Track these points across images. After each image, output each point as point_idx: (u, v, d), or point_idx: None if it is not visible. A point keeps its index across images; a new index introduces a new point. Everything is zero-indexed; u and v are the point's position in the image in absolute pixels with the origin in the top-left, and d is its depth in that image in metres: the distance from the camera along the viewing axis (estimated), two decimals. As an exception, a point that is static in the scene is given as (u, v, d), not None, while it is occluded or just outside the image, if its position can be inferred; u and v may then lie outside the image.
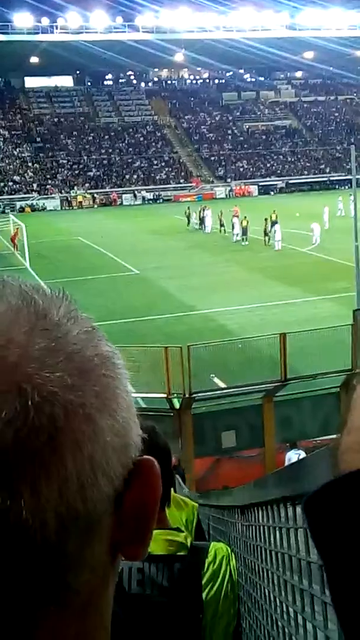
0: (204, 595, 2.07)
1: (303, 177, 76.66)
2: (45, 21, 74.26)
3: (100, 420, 0.50)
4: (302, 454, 13.03)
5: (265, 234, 36.83)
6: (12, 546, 0.46)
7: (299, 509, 1.61)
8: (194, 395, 14.13)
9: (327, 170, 78.45)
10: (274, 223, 37.28)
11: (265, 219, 37.53)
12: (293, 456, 13.36)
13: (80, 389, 0.49)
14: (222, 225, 41.96)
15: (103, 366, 0.52)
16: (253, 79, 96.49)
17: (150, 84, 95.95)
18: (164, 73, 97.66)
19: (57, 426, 0.47)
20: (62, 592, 0.50)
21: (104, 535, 0.53)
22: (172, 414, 14.12)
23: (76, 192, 70.19)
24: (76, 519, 0.49)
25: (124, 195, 70.19)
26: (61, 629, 0.51)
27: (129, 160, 77.26)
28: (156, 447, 1.95)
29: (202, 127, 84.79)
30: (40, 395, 0.47)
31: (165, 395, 14.04)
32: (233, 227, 39.81)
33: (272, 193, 71.26)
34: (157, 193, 71.21)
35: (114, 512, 0.53)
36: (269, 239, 36.59)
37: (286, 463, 13.11)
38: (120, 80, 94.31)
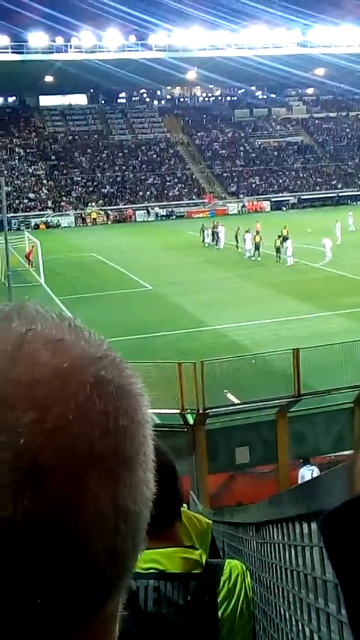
0: (219, 613, 2.07)
1: (315, 192, 76.74)
2: (59, 40, 75.17)
3: (147, 408, 0.57)
4: (316, 470, 12.95)
5: (277, 250, 36.70)
6: (113, 531, 0.50)
7: (314, 527, 1.61)
8: (208, 410, 14.10)
9: (339, 186, 78.49)
10: (285, 239, 37.29)
11: (279, 236, 37.54)
12: (306, 472, 13.28)
13: (134, 381, 0.56)
14: (237, 241, 41.69)
15: (125, 362, 0.58)
16: (265, 96, 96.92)
17: (163, 101, 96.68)
18: (177, 91, 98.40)
19: (140, 422, 0.54)
20: (117, 593, 0.54)
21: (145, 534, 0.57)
22: (185, 430, 14.08)
23: (90, 209, 70.62)
24: (145, 510, 0.54)
25: (137, 212, 70.54)
26: (107, 619, 0.55)
27: (142, 177, 77.70)
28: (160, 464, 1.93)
29: (215, 143, 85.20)
30: (127, 396, 0.54)
31: (179, 411, 14.01)
32: (245, 243, 39.81)
33: (284, 209, 71.38)
34: (170, 209, 71.49)
35: None
36: (280, 256, 36.49)
37: (299, 479, 13.04)
38: (134, 98, 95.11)
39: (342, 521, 0.48)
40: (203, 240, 46.00)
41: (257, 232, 39.44)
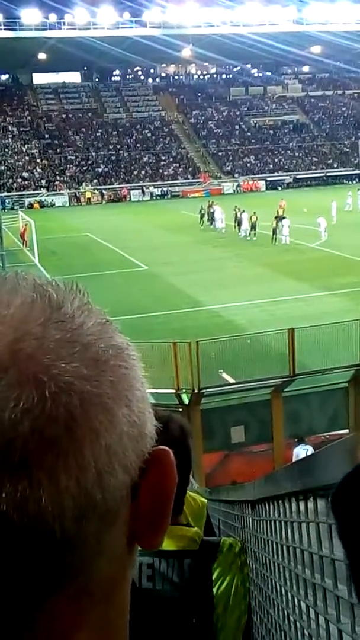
0: (214, 590, 2.08)
1: (310, 172, 76.43)
2: (52, 17, 74.21)
3: (116, 410, 0.51)
4: (310, 449, 13.02)
5: (274, 232, 36.38)
6: (32, 534, 0.46)
7: (310, 503, 1.61)
8: (203, 390, 14.15)
9: (335, 165, 78.18)
10: (281, 218, 37.11)
11: (275, 217, 37.30)
12: (301, 452, 13.36)
13: (96, 379, 0.50)
14: (253, 227, 38.93)
15: (118, 357, 0.53)
16: (260, 74, 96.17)
17: (157, 79, 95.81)
18: (172, 69, 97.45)
19: (74, 415, 0.48)
20: (83, 580, 0.51)
21: (122, 524, 0.54)
22: (181, 410, 14.12)
23: (84, 188, 70.21)
24: (94, 507, 0.49)
25: (131, 191, 70.19)
26: (83, 615, 0.51)
27: (137, 156, 77.20)
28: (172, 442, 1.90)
29: (210, 122, 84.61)
30: (56, 385, 0.48)
31: (174, 391, 14.05)
32: (241, 223, 39.60)
33: (279, 188, 71.09)
34: (165, 189, 71.14)
35: (131, 501, 0.54)
36: (276, 237, 36.26)
37: (294, 458, 13.11)
38: (128, 76, 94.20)
39: (351, 495, 0.47)
40: (201, 224, 45.23)
41: (283, 209, 39.02)
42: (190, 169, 76.41)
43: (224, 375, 15.19)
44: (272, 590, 2.32)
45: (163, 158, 77.30)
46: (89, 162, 75.45)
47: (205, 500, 3.28)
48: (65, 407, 0.48)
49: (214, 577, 2.11)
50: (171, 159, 77.49)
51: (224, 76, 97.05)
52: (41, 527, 0.46)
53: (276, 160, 79.04)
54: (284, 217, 36.57)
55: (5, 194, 66.19)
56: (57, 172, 73.28)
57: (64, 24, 74.74)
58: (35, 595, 0.48)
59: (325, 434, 14.88)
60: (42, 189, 70.12)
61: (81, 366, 0.49)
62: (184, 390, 14.21)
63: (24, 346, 0.48)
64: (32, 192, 69.03)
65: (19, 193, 68.35)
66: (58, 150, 76.30)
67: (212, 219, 44.39)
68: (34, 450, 0.46)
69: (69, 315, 0.52)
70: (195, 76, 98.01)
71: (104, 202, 68.23)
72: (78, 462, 0.48)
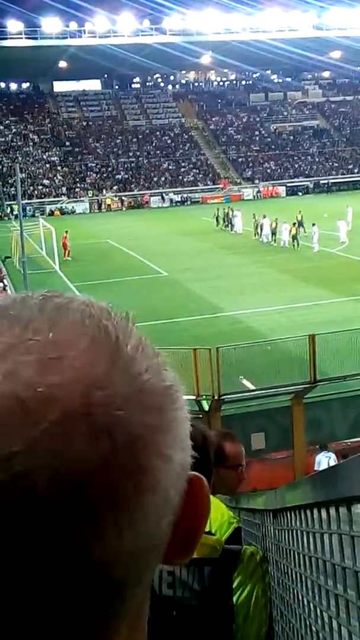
0: (235, 598, 2.07)
1: (331, 177, 76.14)
2: (73, 26, 74.83)
3: (174, 457, 0.51)
4: (333, 457, 12.94)
5: (294, 238, 36.26)
6: (89, 579, 0.47)
7: (332, 513, 1.60)
8: (223, 397, 14.10)
9: (356, 171, 77.82)
10: (300, 224, 37.01)
11: (294, 223, 37.21)
12: (322, 458, 13.28)
13: (159, 429, 0.50)
14: (273, 233, 38.70)
15: (173, 399, 0.53)
16: (280, 80, 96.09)
17: (177, 86, 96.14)
18: (191, 75, 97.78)
19: (141, 466, 0.48)
20: (121, 608, 0.52)
21: (161, 554, 0.54)
22: (201, 416, 14.09)
23: (105, 195, 70.56)
24: (146, 551, 0.50)
25: (151, 198, 70.41)
26: (118, 637, 0.53)
27: (157, 163, 77.46)
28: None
29: (230, 128, 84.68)
30: (125, 437, 0.47)
31: (194, 397, 14.02)
32: (262, 229, 39.54)
33: (300, 194, 70.88)
34: (185, 195, 71.26)
35: (170, 534, 0.55)
36: (297, 243, 36.07)
37: (315, 465, 13.04)
38: (148, 83, 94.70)
39: None
40: (218, 225, 45.44)
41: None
42: (210, 175, 76.49)
43: (244, 381, 15.14)
44: (294, 600, 2.30)
45: (183, 164, 77.47)
46: (109, 169, 75.82)
47: (234, 522, 3.14)
48: (133, 458, 0.47)
49: (234, 585, 2.10)
50: (191, 166, 77.63)
51: (243, 82, 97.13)
52: (100, 574, 0.47)
53: (296, 165, 78.87)
54: (302, 223, 36.38)
55: (26, 201, 66.64)
56: (77, 179, 73.73)
57: (84, 32, 75.33)
58: (82, 629, 0.49)
59: (347, 440, 14.77)
60: (62, 196, 70.58)
61: (145, 415, 0.49)
62: (204, 397, 14.18)
63: (93, 397, 0.47)
64: (52, 199, 69.50)
65: (40, 200, 68.85)
66: (78, 157, 76.79)
67: (231, 224, 44.49)
68: (103, 502, 0.46)
69: (130, 358, 0.51)
70: (215, 83, 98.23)
71: (124, 208, 68.52)
72: (143, 512, 0.48)
